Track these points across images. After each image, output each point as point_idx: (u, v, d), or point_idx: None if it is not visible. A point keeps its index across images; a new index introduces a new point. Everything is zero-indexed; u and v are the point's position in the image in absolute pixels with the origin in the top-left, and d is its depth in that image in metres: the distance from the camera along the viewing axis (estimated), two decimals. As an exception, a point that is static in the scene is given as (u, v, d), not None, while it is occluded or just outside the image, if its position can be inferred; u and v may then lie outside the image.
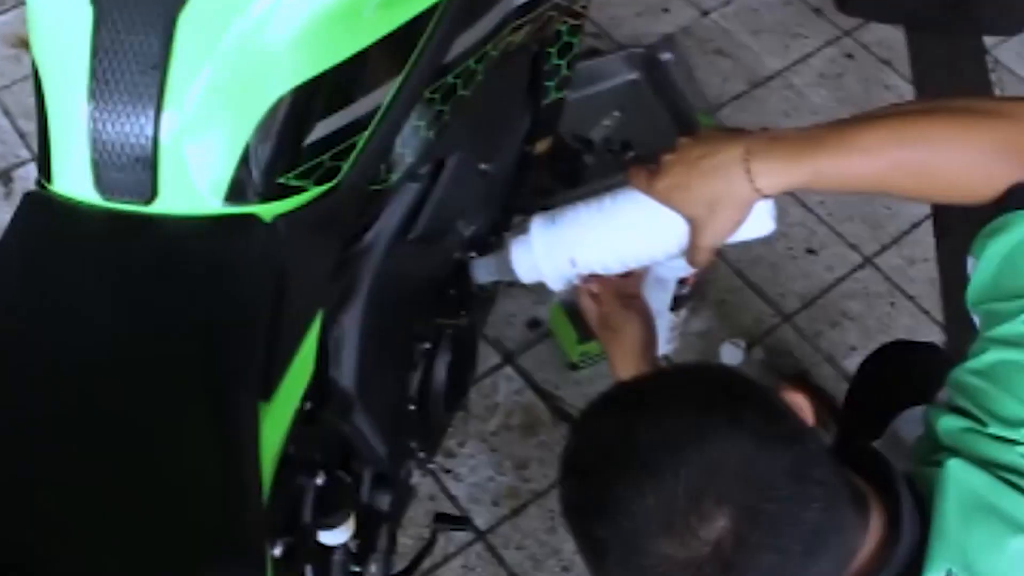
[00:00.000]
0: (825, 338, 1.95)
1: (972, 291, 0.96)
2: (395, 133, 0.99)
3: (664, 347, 1.91)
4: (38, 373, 0.81)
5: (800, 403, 0.88)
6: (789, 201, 2.12)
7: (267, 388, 0.84)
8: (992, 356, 0.92)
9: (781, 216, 2.06)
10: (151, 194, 0.84)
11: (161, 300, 0.84)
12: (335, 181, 0.91)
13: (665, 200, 1.01)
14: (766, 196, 0.97)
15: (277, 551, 0.92)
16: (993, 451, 0.90)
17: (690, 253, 1.03)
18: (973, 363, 0.94)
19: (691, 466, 0.78)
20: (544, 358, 1.92)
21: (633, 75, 2.23)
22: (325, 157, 0.89)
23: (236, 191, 0.85)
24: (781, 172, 0.94)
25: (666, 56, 2.28)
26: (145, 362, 0.81)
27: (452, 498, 1.76)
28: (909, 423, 1.11)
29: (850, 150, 0.93)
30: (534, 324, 1.96)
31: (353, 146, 0.92)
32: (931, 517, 0.89)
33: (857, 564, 0.87)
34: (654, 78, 2.21)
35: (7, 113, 2.19)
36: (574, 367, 1.89)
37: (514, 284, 1.62)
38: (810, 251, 2.06)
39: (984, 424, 0.91)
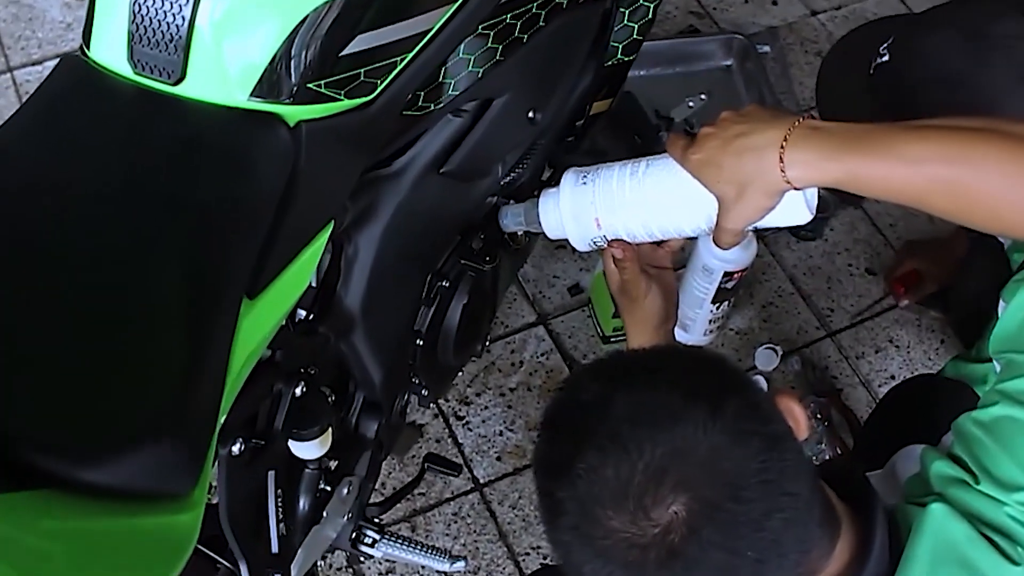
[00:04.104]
0: (866, 361, 1.89)
1: (995, 337, 0.92)
2: (439, 62, 0.97)
3: (700, 338, 1.88)
4: (37, 229, 0.81)
5: (795, 412, 0.84)
6: (858, 217, 2.06)
7: (254, 286, 0.84)
8: (999, 410, 0.88)
9: (848, 231, 2.02)
10: (180, 75, 0.85)
11: (170, 179, 0.84)
12: (368, 97, 0.91)
13: (696, 174, 0.98)
14: (797, 188, 0.92)
15: (235, 448, 0.93)
16: (981, 506, 0.87)
17: (716, 233, 1.00)
18: (979, 413, 0.90)
19: (658, 445, 0.76)
20: (578, 325, 1.90)
21: (727, 61, 2.19)
22: (361, 71, 0.89)
23: (264, 88, 0.85)
24: (815, 166, 0.89)
25: (764, 48, 2.23)
26: (141, 236, 0.81)
27: (458, 444, 1.76)
28: (908, 459, 1.07)
29: (890, 156, 0.87)
30: (576, 290, 1.94)
31: (393, 66, 0.91)
32: (901, 557, 0.86)
33: None
34: (748, 68, 2.16)
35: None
36: (606, 340, 1.87)
37: (558, 243, 1.60)
38: (870, 271, 2.00)
39: (976, 480, 0.88)
